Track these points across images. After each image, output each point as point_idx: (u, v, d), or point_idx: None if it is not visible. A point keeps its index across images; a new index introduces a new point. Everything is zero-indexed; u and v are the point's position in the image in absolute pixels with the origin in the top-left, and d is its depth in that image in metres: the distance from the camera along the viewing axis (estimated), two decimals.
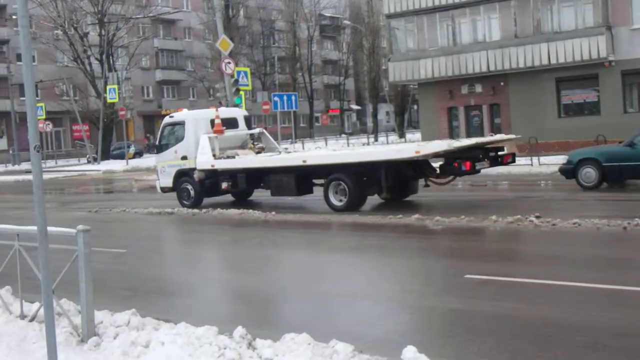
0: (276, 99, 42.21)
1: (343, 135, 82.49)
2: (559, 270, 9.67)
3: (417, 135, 44.98)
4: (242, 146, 21.36)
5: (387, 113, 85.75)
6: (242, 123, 21.97)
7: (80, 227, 7.22)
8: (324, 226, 15.62)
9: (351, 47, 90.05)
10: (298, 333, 6.71)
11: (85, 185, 35.94)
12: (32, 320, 7.86)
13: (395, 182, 17.69)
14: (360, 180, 17.65)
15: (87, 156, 58.59)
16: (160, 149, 21.65)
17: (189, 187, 20.68)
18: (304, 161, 18.39)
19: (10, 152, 61.03)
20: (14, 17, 65.04)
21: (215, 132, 20.36)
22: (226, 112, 22.46)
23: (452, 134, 35.40)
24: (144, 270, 11.94)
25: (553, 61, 32.81)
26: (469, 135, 33.75)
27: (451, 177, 18.01)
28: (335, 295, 9.24)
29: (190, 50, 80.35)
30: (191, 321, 7.32)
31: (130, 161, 50.44)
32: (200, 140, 20.23)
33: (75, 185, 32.53)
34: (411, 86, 56.51)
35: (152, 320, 7.59)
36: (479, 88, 36.12)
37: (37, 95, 65.15)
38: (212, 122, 20.63)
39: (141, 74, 75.32)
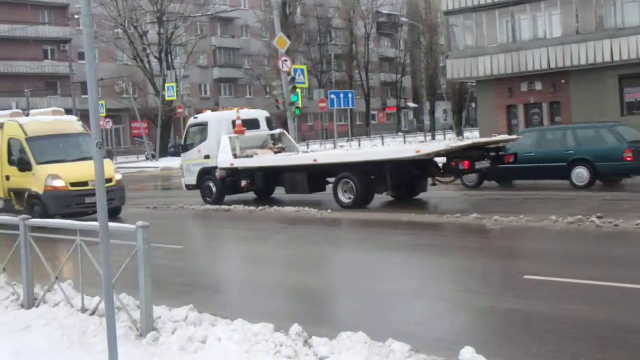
0: (332, 96, 42.12)
1: (399, 133, 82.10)
2: (619, 272, 9.47)
3: (475, 133, 44.45)
4: (263, 146, 22.09)
5: (445, 111, 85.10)
6: (263, 124, 22.91)
7: (139, 223, 7.30)
8: (380, 224, 15.56)
9: (408, 44, 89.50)
10: (354, 331, 6.69)
11: (144, 181, 36.47)
12: (92, 314, 7.99)
13: (400, 181, 18.54)
14: (367, 178, 18.38)
15: (146, 153, 59.38)
16: (185, 148, 22.83)
17: (211, 184, 21.53)
18: (315, 160, 19.38)
19: None
20: (75, 16, 66.38)
21: (235, 132, 21.27)
22: (247, 113, 23.34)
23: (511, 132, 34.95)
24: (201, 266, 12.06)
25: (616, 58, 32.11)
26: None
27: (454, 176, 18.96)
28: (392, 293, 9.19)
29: (247, 48, 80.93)
30: (247, 317, 7.36)
31: None
32: (221, 140, 21.16)
33: (133, 181, 33.01)
34: (469, 84, 56.02)
35: (209, 315, 7.65)
36: (538, 85, 35.55)
37: (98, 93, 66.06)
38: (234, 122, 21.53)
39: (199, 71, 76.13)
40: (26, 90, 61.17)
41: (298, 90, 31.71)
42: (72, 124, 20.50)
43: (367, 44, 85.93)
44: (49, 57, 70.25)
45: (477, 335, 7.36)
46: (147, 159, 57.62)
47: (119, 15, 58.04)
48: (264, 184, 20.96)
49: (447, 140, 20.36)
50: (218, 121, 21.94)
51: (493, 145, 18.75)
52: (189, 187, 22.61)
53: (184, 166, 22.99)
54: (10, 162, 19.04)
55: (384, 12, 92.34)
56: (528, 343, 6.76)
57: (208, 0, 69.30)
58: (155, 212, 20.48)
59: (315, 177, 19.64)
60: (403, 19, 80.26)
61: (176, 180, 35.80)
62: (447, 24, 39.68)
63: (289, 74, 30.60)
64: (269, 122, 23.44)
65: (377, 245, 13.31)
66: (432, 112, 71.33)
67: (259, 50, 74.38)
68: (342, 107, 43.35)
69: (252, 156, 20.88)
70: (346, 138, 56.51)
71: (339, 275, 10.98)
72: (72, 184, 18.13)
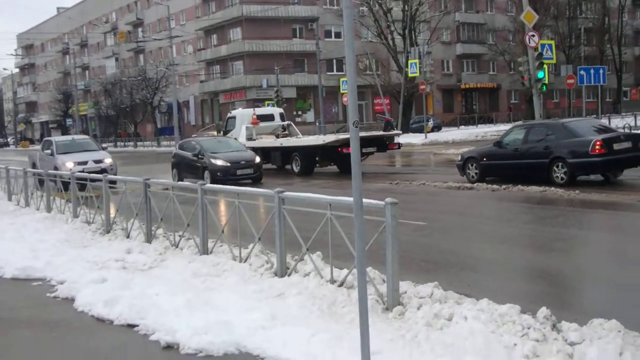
0: (582, 72, 40.22)
1: None
2: None
3: None
4: (273, 133, 31.70)
5: None
6: (277, 117, 33.56)
7: (388, 199, 7.44)
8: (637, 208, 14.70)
9: None
10: (605, 319, 6.39)
11: (385, 157, 36.98)
12: (340, 285, 8.27)
13: (329, 159, 27.13)
14: (309, 156, 26.98)
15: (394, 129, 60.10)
16: (225, 133, 33.21)
17: None
18: (281, 144, 29.01)
19: (317, 124, 64.62)
20: None
21: (252, 123, 31.04)
22: (264, 110, 35.91)
23: None
24: (445, 243, 12.04)
25: None
26: None
27: (364, 157, 26.42)
28: None
29: (492, 23, 79.37)
30: (491, 297, 7.27)
31: (428, 135, 51.03)
32: (241, 128, 30.83)
33: (375, 157, 33.63)
34: None
35: (453, 294, 7.64)
36: None
37: (342, 71, 68.35)
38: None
39: (441, 48, 75.90)
40: (276, 67, 64.14)
41: (545, 66, 30.58)
42: None
43: (620, 16, 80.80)
44: (297, 35, 73.14)
45: None
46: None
47: None
48: (262, 158, 27.45)
49: (338, 134, 31.43)
50: (242, 116, 32.89)
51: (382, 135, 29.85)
52: None
53: None
54: None
55: None
56: None
57: None
58: (397, 188, 20.72)
59: (284, 154, 28.36)
60: None
61: (417, 157, 36.06)
62: None
63: (536, 49, 29.59)
64: (282, 116, 34.18)
65: (634, 230, 12.59)
66: None
67: (504, 25, 72.61)
68: (592, 83, 41.28)
69: (255, 140, 30.24)
70: (594, 116, 53.80)
71: (588, 259, 10.53)
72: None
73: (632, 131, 29.10)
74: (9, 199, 21.38)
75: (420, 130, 54.03)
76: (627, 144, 18.42)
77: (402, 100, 58.09)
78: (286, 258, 9.31)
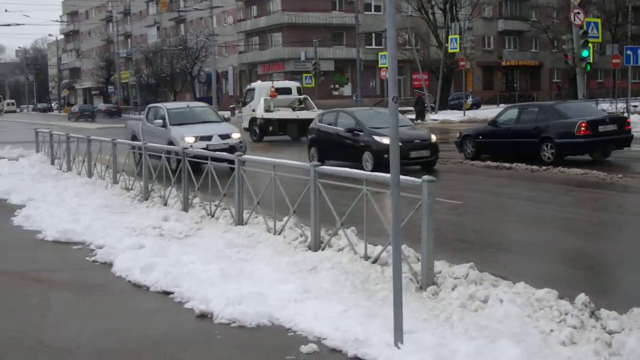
0: (629, 52, 39.24)
1: None
2: None
3: None
4: (289, 106, 33.10)
5: None
6: (294, 91, 35.31)
7: (425, 177, 7.35)
8: None
9: None
10: None
11: None
12: (374, 262, 8.23)
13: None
14: (304, 127, 26.43)
15: (426, 105, 59.63)
16: (244, 104, 36.17)
17: (255, 128, 33.01)
18: (297, 116, 31.48)
19: (354, 98, 64.29)
20: None
21: (270, 96, 32.59)
22: (282, 83, 37.84)
23: None
24: (480, 223, 11.92)
25: None
26: None
27: None
28: None
29: None
30: (527, 281, 7.20)
31: (467, 112, 50.48)
32: (260, 100, 32.56)
33: None
34: None
35: (489, 275, 7.56)
36: None
37: (381, 45, 67.86)
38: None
39: (483, 24, 74.72)
40: (314, 40, 63.81)
41: (590, 45, 30.06)
42: None
43: None
44: (337, 8, 72.71)
45: None
46: (426, 111, 57.84)
47: None
48: (278, 129, 31.87)
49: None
50: (260, 88, 34.80)
51: None
52: (245, 129, 33.01)
53: (243, 116, 35.94)
54: None
55: None
56: None
57: None
58: (435, 167, 20.55)
59: (300, 126, 29.87)
60: None
61: (455, 134, 35.63)
62: None
63: (581, 27, 29.10)
64: (298, 90, 35.88)
65: None
66: None
67: (549, 1, 71.26)
68: (639, 64, 40.35)
69: (273, 112, 32.18)
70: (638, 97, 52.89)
71: (629, 245, 10.34)
72: None
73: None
74: (52, 162, 21.73)
75: (458, 107, 53.46)
76: (612, 127, 19.45)
77: (440, 76, 57.41)
78: (320, 232, 9.29)
